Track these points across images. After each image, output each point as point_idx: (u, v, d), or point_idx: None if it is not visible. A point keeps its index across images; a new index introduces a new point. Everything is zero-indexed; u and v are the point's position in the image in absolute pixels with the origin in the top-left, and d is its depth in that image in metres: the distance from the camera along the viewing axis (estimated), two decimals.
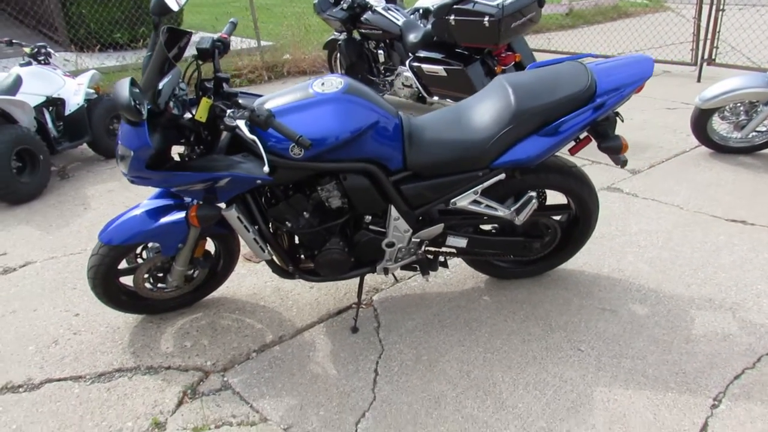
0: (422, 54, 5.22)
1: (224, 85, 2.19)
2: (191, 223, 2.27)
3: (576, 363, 2.33)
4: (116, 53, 8.59)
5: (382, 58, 6.03)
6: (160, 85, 2.07)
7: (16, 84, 4.60)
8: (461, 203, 2.42)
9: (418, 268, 2.68)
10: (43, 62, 4.91)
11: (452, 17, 4.83)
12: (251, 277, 3.07)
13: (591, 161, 4.41)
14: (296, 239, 2.51)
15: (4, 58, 5.04)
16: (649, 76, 2.34)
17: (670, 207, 3.60)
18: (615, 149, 2.35)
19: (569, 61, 2.43)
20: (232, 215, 2.29)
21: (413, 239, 2.51)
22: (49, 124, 4.63)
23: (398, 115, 2.38)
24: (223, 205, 2.34)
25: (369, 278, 2.96)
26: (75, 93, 4.91)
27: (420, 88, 5.48)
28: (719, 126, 4.40)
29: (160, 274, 2.63)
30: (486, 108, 2.35)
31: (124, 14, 8.91)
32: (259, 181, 2.18)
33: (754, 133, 4.29)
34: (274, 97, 2.28)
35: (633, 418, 2.06)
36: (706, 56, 6.72)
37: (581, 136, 2.45)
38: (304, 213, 2.36)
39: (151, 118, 2.09)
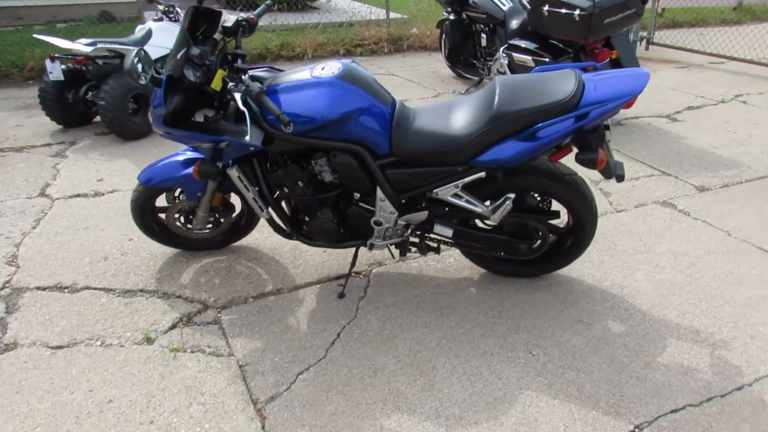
0: (516, 42, 5.18)
1: (239, 60, 2.49)
2: (193, 176, 2.63)
3: (520, 365, 2.40)
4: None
5: (484, 42, 6.03)
6: (178, 56, 2.41)
7: (147, 36, 5.29)
8: (443, 194, 2.55)
9: (415, 249, 2.85)
10: (173, 19, 5.57)
11: (546, 8, 4.75)
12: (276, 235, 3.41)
13: (661, 172, 4.19)
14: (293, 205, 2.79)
15: (152, 10, 5.88)
16: (638, 93, 2.27)
17: (716, 231, 3.38)
18: (588, 162, 2.33)
19: (565, 69, 2.42)
20: (233, 174, 2.62)
21: (399, 221, 2.68)
22: None
23: (392, 103, 2.54)
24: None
25: (375, 253, 3.17)
26: None
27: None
28: None
29: (189, 216, 3.04)
30: (472, 106, 2.44)
31: None
32: (252, 148, 2.48)
33: None
34: (284, 75, 2.54)
35: (543, 425, 2.11)
36: None
37: (563, 144, 2.44)
38: (299, 182, 2.62)
39: (173, 83, 2.44)
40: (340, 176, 2.58)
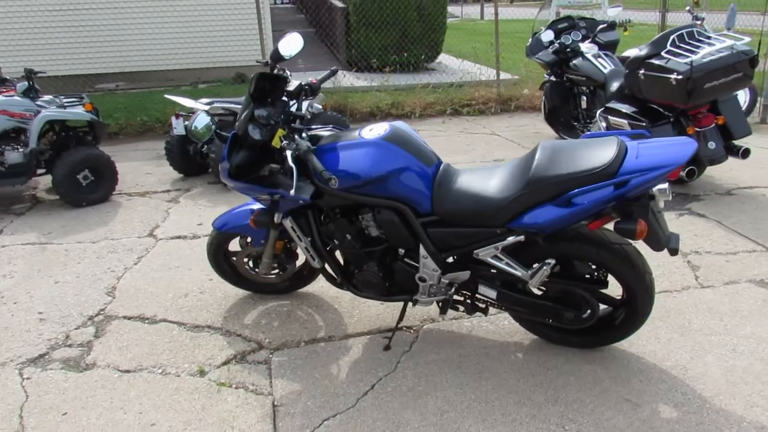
0: (613, 105, 5.06)
1: (297, 121, 2.71)
2: (250, 224, 2.86)
3: None
4: (377, 75, 9.85)
5: (584, 104, 5.94)
6: (243, 116, 2.67)
7: None
8: (483, 255, 2.56)
9: (463, 308, 2.86)
10: None
11: (642, 71, 4.62)
12: None
13: (765, 248, 3.83)
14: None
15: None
16: (682, 163, 2.17)
17: None
18: (625, 232, 2.23)
19: (610, 136, 2.37)
20: (287, 224, 2.82)
21: (443, 279, 2.71)
22: None
23: (436, 164, 2.63)
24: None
25: (429, 309, 3.20)
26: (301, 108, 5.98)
27: None
28: None
29: (256, 261, 3.29)
30: (513, 170, 2.45)
31: (391, 41, 10.16)
32: (301, 201, 2.66)
33: None
34: (337, 136, 2.73)
35: None
36: None
37: (604, 212, 2.35)
38: (347, 235, 2.76)
39: (239, 140, 2.71)
40: (384, 232, 2.68)
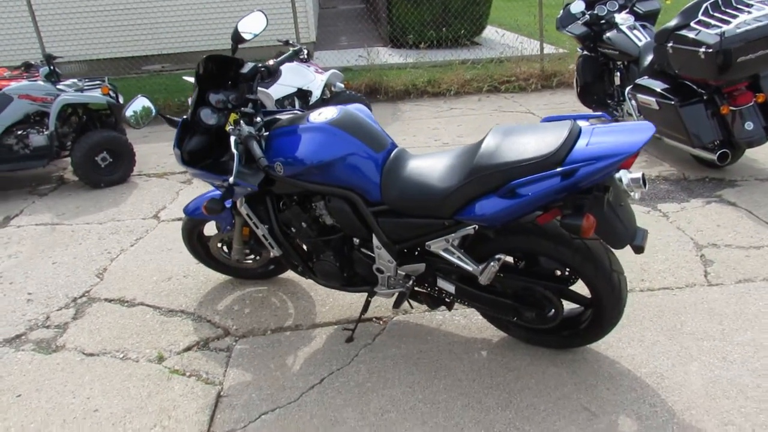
0: (642, 82, 4.66)
1: (249, 105, 2.61)
2: (203, 211, 2.79)
3: None
4: (416, 51, 9.60)
5: (618, 81, 5.53)
6: (189, 101, 2.60)
7: (276, 76, 5.78)
8: (435, 248, 2.39)
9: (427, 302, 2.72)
10: (303, 60, 6.01)
11: (671, 44, 4.22)
12: None
13: None
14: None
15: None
16: (634, 152, 1.90)
17: None
18: (570, 228, 2.00)
19: (563, 121, 2.12)
20: (243, 211, 2.74)
21: (399, 271, 2.57)
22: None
23: (388, 149, 2.46)
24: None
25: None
26: (318, 87, 5.90)
27: (636, 119, 4.91)
28: None
29: (229, 246, 3.24)
30: (461, 158, 2.26)
31: (432, 15, 9.85)
32: (249, 189, 2.57)
33: None
34: (290, 120, 2.60)
35: None
36: None
37: (554, 205, 2.12)
38: (303, 223, 2.66)
39: (193, 125, 2.64)
40: (336, 221, 2.56)
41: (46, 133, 5.16)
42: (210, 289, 3.38)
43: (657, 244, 3.50)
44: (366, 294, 2.80)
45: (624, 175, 2.15)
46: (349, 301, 3.13)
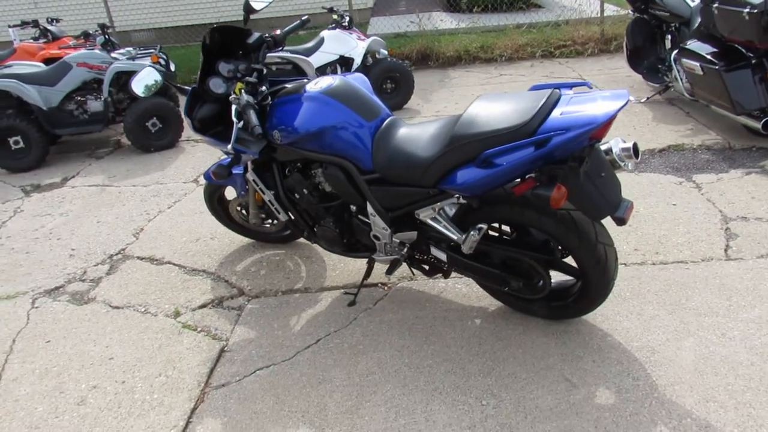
0: (687, 46, 4.42)
1: (254, 74, 2.69)
2: (212, 176, 2.93)
3: (460, 412, 2.18)
4: (471, 15, 9.39)
5: (669, 44, 5.25)
6: (199, 71, 2.71)
7: (319, 44, 5.86)
8: (423, 216, 2.43)
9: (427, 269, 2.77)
10: (345, 27, 6.04)
11: (716, 5, 3.97)
12: None
13: None
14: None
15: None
16: (602, 121, 1.85)
17: None
18: (538, 198, 1.98)
19: (543, 90, 2.08)
20: (249, 178, 2.86)
21: (394, 239, 2.63)
22: None
23: (381, 118, 2.50)
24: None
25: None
26: (359, 54, 5.92)
27: (682, 86, 4.67)
28: None
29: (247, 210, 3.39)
30: (444, 127, 2.26)
31: None
32: (250, 155, 2.68)
33: None
34: (292, 89, 2.67)
35: None
36: None
37: (530, 175, 2.10)
38: (304, 190, 2.75)
39: (199, 95, 2.76)
40: (333, 188, 2.63)
41: (101, 99, 5.48)
42: (233, 251, 3.55)
43: (681, 217, 3.37)
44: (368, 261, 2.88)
45: (615, 145, 2.11)
46: (359, 267, 3.22)
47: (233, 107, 2.53)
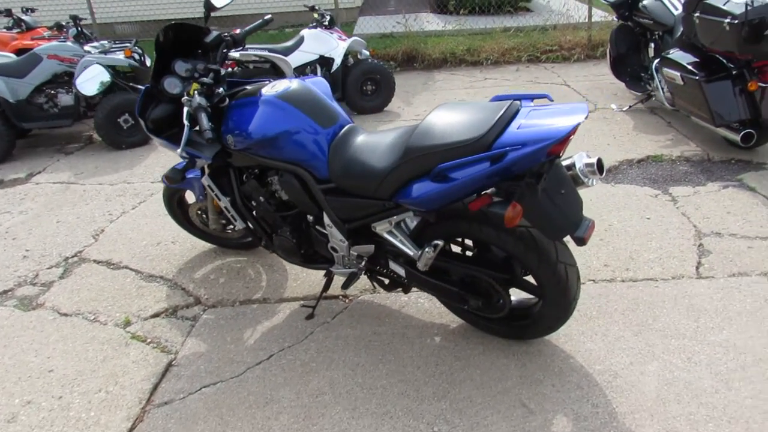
0: (670, 55, 4.33)
1: (211, 75, 2.57)
2: (165, 180, 2.80)
3: None
4: (460, 17, 9.28)
5: (652, 52, 5.17)
6: (151, 70, 2.59)
7: (298, 43, 5.73)
8: (379, 230, 2.32)
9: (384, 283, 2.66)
10: (326, 27, 5.91)
11: (698, 14, 3.89)
12: None
13: None
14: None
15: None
16: (559, 137, 1.75)
17: None
18: (493, 217, 1.87)
19: (502, 101, 1.97)
20: (204, 183, 2.74)
21: (351, 251, 2.51)
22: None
23: (338, 125, 2.38)
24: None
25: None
26: (339, 54, 5.80)
27: (663, 95, 4.59)
28: None
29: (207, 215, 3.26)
30: (401, 137, 2.15)
31: None
32: (203, 160, 2.55)
33: None
34: (250, 91, 2.55)
35: None
36: None
37: (486, 191, 1.99)
38: (261, 197, 2.63)
39: (153, 94, 2.64)
40: (289, 196, 2.52)
41: (72, 92, 5.32)
42: (193, 256, 3.43)
43: (655, 231, 3.28)
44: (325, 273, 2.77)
45: (579, 160, 2.01)
46: (322, 277, 3.09)
47: (185, 109, 2.41)
